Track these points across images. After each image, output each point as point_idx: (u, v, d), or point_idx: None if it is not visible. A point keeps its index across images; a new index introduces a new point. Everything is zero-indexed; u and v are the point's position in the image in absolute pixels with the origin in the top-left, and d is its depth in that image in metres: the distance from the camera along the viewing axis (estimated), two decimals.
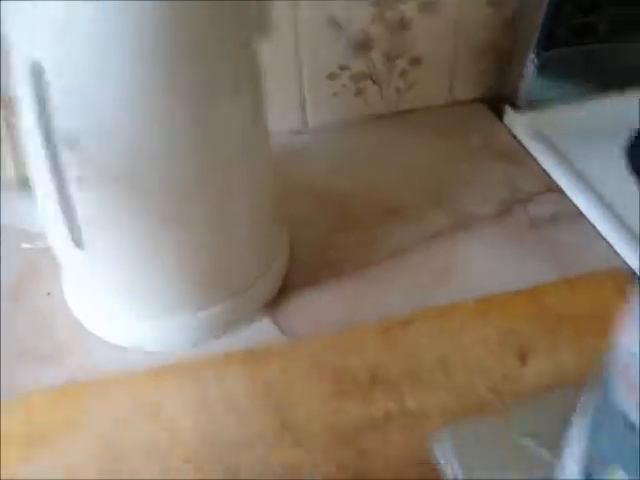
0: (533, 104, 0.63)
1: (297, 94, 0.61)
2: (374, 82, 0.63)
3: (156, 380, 0.42)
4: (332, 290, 0.49)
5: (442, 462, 0.36)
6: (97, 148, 0.36)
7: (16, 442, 0.39)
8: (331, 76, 0.61)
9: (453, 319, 0.45)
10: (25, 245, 0.48)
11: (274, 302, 0.48)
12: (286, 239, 0.51)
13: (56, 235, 0.42)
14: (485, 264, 0.51)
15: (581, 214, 0.55)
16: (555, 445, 0.31)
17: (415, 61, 0.63)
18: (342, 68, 0.61)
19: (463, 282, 0.49)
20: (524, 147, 0.62)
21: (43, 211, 0.42)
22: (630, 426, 0.24)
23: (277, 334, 0.46)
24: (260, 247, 0.47)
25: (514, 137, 0.63)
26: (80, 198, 0.39)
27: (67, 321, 0.46)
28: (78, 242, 0.41)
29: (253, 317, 0.47)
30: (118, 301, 0.45)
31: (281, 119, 0.62)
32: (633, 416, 0.24)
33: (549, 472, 0.34)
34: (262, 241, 0.47)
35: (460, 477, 0.35)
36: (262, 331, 0.46)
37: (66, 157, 0.37)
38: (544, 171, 0.59)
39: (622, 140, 0.60)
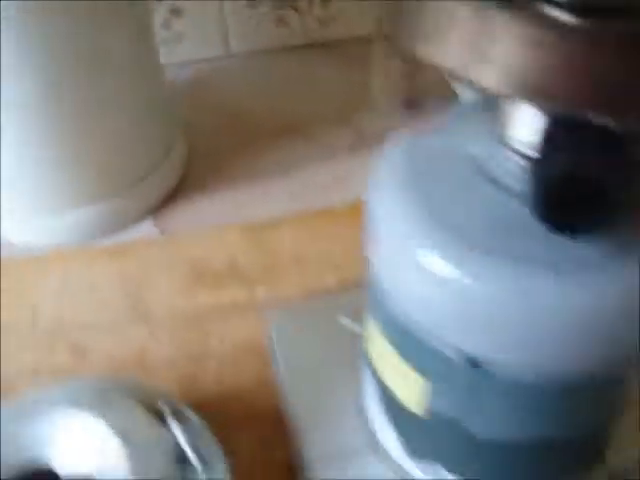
0: None
1: (220, 21, 0.63)
2: (295, 10, 0.64)
3: (27, 268, 0.45)
4: (218, 198, 0.51)
5: (270, 342, 0.38)
6: None
7: None
8: (251, 4, 0.62)
9: (319, 222, 0.47)
10: None
11: (160, 206, 0.50)
12: (181, 148, 0.53)
13: None
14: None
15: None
16: None
17: None
18: None
19: (346, 193, 0.50)
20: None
21: None
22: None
23: (156, 234, 0.48)
24: (148, 149, 0.49)
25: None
26: None
27: None
28: None
29: (137, 218, 0.49)
30: (10, 196, 0.47)
31: (203, 46, 0.63)
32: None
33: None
34: (151, 144, 0.49)
35: (282, 352, 0.37)
36: (142, 231, 0.48)
37: None
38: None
39: None
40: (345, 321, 0.38)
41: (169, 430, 0.29)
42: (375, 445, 0.31)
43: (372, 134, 0.56)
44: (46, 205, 0.46)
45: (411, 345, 0.24)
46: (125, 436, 0.28)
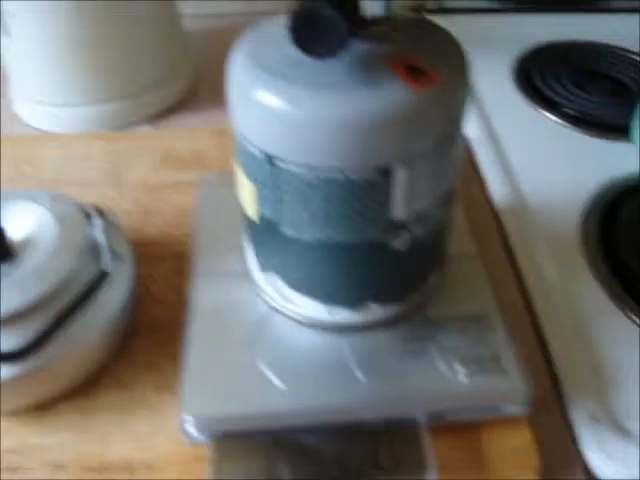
0: (444, 11, 0.71)
1: None
2: None
3: (37, 141, 0.57)
4: (210, 117, 0.61)
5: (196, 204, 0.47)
6: None
7: None
8: None
9: None
10: None
11: (159, 116, 0.61)
12: (188, 72, 0.64)
13: None
14: None
15: None
16: None
17: None
18: None
19: None
20: None
21: None
22: None
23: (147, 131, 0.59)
24: (158, 64, 0.60)
25: None
26: None
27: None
28: (6, 31, 0.56)
29: (137, 122, 0.60)
30: (39, 89, 0.59)
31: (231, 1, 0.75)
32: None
33: None
34: (161, 61, 0.60)
35: (200, 204, 0.46)
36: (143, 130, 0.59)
37: None
38: None
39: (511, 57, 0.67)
40: None
41: (92, 225, 0.39)
42: (244, 269, 0.40)
43: None
44: (65, 98, 0.58)
45: (243, 157, 0.33)
46: (58, 218, 0.38)
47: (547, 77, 0.65)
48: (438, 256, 0.38)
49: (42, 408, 0.37)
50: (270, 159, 0.31)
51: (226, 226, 0.43)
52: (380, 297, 0.36)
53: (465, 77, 0.32)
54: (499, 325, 0.38)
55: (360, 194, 0.31)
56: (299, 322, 0.38)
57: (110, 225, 0.40)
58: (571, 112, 0.60)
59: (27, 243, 0.37)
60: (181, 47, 0.64)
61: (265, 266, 0.37)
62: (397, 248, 0.34)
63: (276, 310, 0.38)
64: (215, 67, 0.71)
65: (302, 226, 0.33)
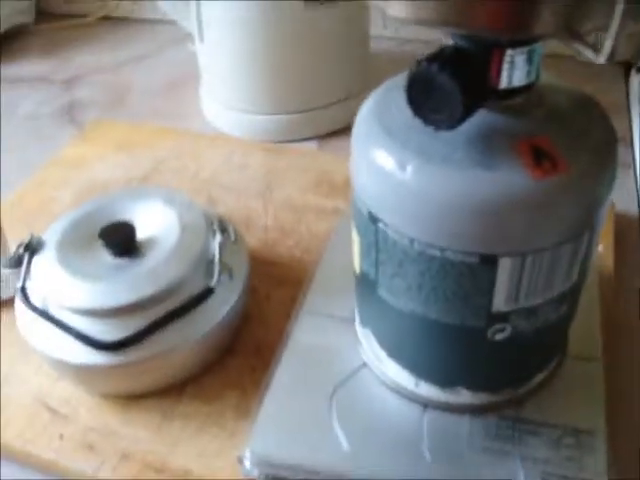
0: None
1: None
2: None
3: (206, 143, 0.60)
4: None
5: (333, 235, 0.47)
6: None
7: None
8: None
9: None
10: (190, 46, 0.68)
11: (329, 135, 0.62)
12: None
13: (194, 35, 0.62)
14: None
15: None
16: None
17: None
18: None
19: None
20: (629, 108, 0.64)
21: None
22: None
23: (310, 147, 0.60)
24: (337, 86, 0.61)
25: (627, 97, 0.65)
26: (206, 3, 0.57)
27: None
28: (201, 39, 0.60)
29: (307, 136, 0.61)
30: (225, 93, 0.63)
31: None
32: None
33: None
34: (341, 83, 0.61)
35: (332, 241, 0.46)
36: (308, 146, 0.60)
37: None
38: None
39: None
40: None
41: (213, 242, 0.40)
42: (351, 316, 0.39)
43: None
44: (247, 105, 0.61)
45: (354, 210, 0.32)
46: (182, 224, 0.40)
47: None
48: (545, 353, 0.35)
49: (130, 399, 0.39)
50: (373, 218, 0.30)
51: (350, 267, 0.43)
52: (470, 382, 0.34)
53: (608, 162, 0.28)
54: (602, 447, 0.33)
55: (458, 277, 0.29)
56: (384, 383, 0.36)
57: (231, 241, 0.41)
58: None
59: (150, 243, 0.40)
60: (364, 69, 0.64)
61: (363, 320, 0.36)
62: (494, 339, 0.31)
63: (366, 365, 0.37)
64: None
65: (398, 293, 0.31)
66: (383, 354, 0.35)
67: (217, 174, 0.56)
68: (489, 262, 0.28)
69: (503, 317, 0.30)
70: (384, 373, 0.36)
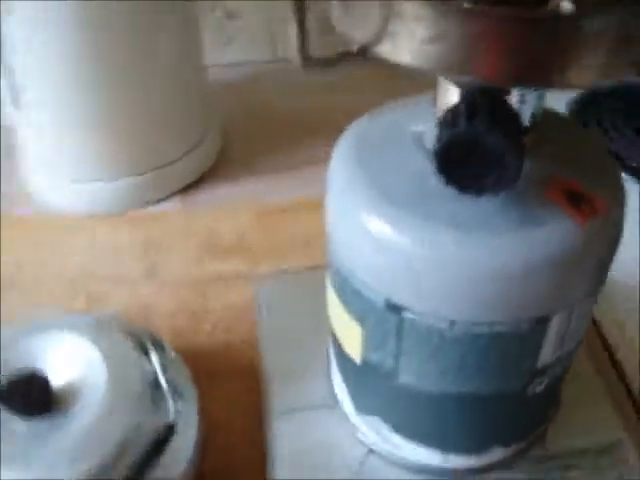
0: None
1: (268, 27, 0.67)
2: None
3: (60, 226, 0.50)
4: (242, 186, 0.55)
5: (258, 306, 0.41)
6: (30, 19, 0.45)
7: None
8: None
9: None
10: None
11: (189, 187, 0.54)
12: (216, 138, 0.57)
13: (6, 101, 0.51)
14: None
15: None
16: None
17: None
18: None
19: None
20: None
21: None
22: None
23: (179, 208, 0.52)
24: (185, 133, 0.54)
25: None
26: (18, 63, 0.47)
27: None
28: (16, 104, 0.49)
29: (166, 195, 0.53)
30: (57, 164, 0.53)
31: (252, 49, 0.68)
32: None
33: None
34: (188, 129, 0.54)
35: (264, 315, 0.40)
36: (168, 208, 0.53)
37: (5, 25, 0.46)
38: None
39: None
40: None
41: (149, 361, 0.33)
42: (333, 403, 0.34)
43: None
44: (86, 174, 0.52)
45: (351, 295, 0.27)
46: (108, 356, 0.31)
47: (607, 127, 0.59)
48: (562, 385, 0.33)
49: None
50: (394, 307, 0.25)
51: (299, 341, 0.37)
52: (505, 439, 0.31)
53: (625, 197, 0.26)
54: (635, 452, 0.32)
55: (507, 347, 0.25)
56: (403, 466, 0.32)
57: (168, 357, 0.34)
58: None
59: (71, 391, 0.31)
60: (209, 107, 0.57)
61: (363, 408, 0.31)
62: (532, 393, 0.28)
63: (373, 452, 0.32)
64: (242, 125, 0.66)
65: (428, 377, 0.27)
66: (397, 438, 0.31)
67: (87, 265, 0.47)
68: (541, 323, 0.25)
69: (543, 371, 0.27)
70: (401, 457, 0.32)
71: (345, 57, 0.19)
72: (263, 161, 0.57)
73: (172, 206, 0.53)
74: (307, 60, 0.19)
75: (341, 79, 0.67)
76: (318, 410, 0.34)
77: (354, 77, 0.68)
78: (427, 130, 0.25)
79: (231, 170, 0.56)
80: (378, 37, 0.19)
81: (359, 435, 0.33)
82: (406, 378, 0.27)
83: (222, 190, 0.54)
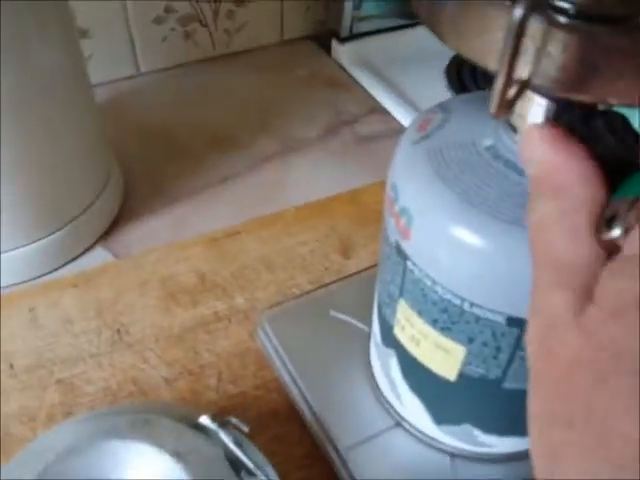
0: (357, 36, 0.67)
1: (126, 41, 0.62)
2: (202, 24, 0.64)
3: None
4: (165, 215, 0.51)
5: (265, 344, 0.39)
6: None
7: None
8: (157, 20, 0.62)
9: (276, 226, 0.48)
10: None
11: (108, 231, 0.49)
12: (117, 173, 0.52)
13: None
14: (311, 179, 0.54)
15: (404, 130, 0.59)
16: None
17: (240, 1, 0.65)
18: (168, 11, 0.62)
19: (289, 196, 0.52)
20: (350, 75, 0.66)
21: None
22: (401, 255, 0.28)
23: (111, 259, 0.47)
24: (88, 178, 0.48)
25: (341, 68, 0.67)
26: None
27: None
28: None
29: (86, 245, 0.48)
30: None
31: (113, 67, 0.63)
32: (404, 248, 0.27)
33: (364, 340, 0.37)
34: (90, 173, 0.48)
35: (281, 352, 0.38)
36: (96, 258, 0.47)
37: None
38: (369, 95, 0.63)
39: (442, 63, 0.65)
40: (336, 314, 0.40)
41: (216, 441, 0.30)
42: (400, 422, 0.33)
43: (295, 139, 0.58)
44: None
45: (454, 319, 0.26)
46: (178, 455, 0.28)
47: (479, 78, 0.63)
48: None
49: None
50: (515, 321, 0.25)
51: (330, 371, 0.36)
52: None
53: None
54: None
55: None
56: (489, 460, 0.33)
57: (234, 431, 0.31)
58: None
59: None
60: (106, 147, 0.51)
61: (447, 419, 0.31)
62: None
63: (456, 456, 0.33)
64: (136, 152, 0.59)
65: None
66: (489, 438, 0.31)
67: (39, 350, 0.40)
68: None
69: None
70: (486, 453, 0.32)
71: (520, 95, 0.18)
72: (171, 184, 0.53)
73: (100, 256, 0.47)
74: (503, 108, 0.18)
75: (213, 84, 0.64)
76: (385, 435, 0.34)
77: (225, 77, 0.65)
78: (499, 144, 0.26)
79: (143, 201, 0.52)
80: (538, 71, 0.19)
81: (439, 445, 0.33)
82: (512, 384, 0.28)
83: (142, 225, 0.50)
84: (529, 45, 0.18)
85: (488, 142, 0.26)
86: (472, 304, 0.25)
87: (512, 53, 0.16)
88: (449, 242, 0.25)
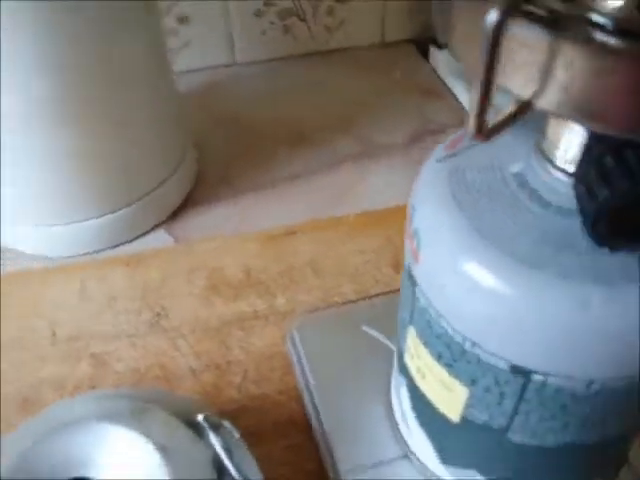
0: None
1: (226, 29, 0.63)
2: (301, 19, 0.64)
3: (43, 279, 0.44)
4: (230, 206, 0.51)
5: (290, 350, 0.38)
6: None
7: None
8: (258, 12, 0.62)
9: (333, 230, 0.47)
10: None
11: (173, 215, 0.50)
12: (191, 158, 0.53)
13: None
14: (385, 186, 0.52)
15: None
16: None
17: None
18: (267, 4, 0.62)
19: (360, 201, 0.51)
20: (445, 84, 0.63)
21: None
22: (411, 280, 0.26)
23: (171, 242, 0.48)
24: (162, 159, 0.49)
25: (436, 75, 0.64)
26: None
27: None
28: None
29: (150, 226, 0.49)
30: (24, 207, 0.47)
31: (210, 54, 0.64)
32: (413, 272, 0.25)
33: (390, 361, 0.35)
34: (164, 154, 0.49)
35: (303, 360, 0.37)
36: (157, 239, 0.48)
37: None
38: (461, 107, 0.60)
39: None
40: (368, 329, 0.38)
41: (207, 443, 0.29)
42: (408, 454, 0.31)
43: (377, 144, 0.57)
44: (59, 214, 0.46)
45: (457, 357, 0.24)
46: (165, 450, 0.28)
47: None
48: None
49: None
50: (519, 370, 0.22)
51: (349, 389, 0.35)
52: (605, 477, 0.29)
53: None
54: None
55: (631, 399, 0.23)
56: None
57: (231, 438, 0.30)
58: None
59: None
60: (184, 131, 0.53)
61: (454, 461, 0.29)
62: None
63: None
64: (214, 139, 0.61)
65: (540, 434, 0.25)
66: None
67: (81, 322, 0.42)
68: None
69: None
70: None
71: (511, 120, 0.16)
72: (244, 176, 0.53)
73: (161, 239, 0.48)
74: (481, 131, 0.16)
75: (306, 80, 0.64)
76: (392, 463, 0.32)
77: (320, 74, 0.65)
78: (528, 171, 0.23)
79: (213, 189, 0.52)
80: (542, 90, 0.16)
81: None
82: (518, 436, 0.25)
83: (208, 213, 0.50)
84: (529, 59, 0.16)
85: (516, 168, 0.23)
86: (474, 344, 0.23)
87: (488, 65, 0.14)
88: (454, 272, 0.23)
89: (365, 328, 0.37)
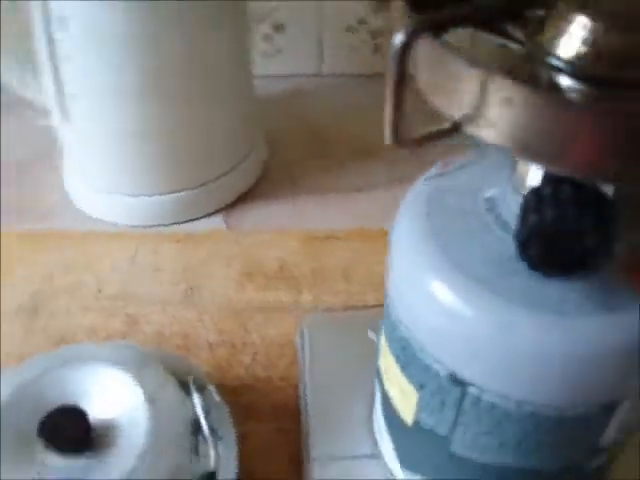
0: None
1: (316, 42, 0.66)
2: None
3: (101, 241, 0.49)
4: (288, 205, 0.54)
5: (297, 343, 0.40)
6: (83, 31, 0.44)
7: None
8: (350, 28, 0.65)
9: (372, 242, 0.49)
10: (41, 122, 0.57)
11: (232, 205, 0.54)
12: (262, 153, 0.57)
13: (53, 111, 0.51)
14: None
15: None
16: None
17: None
18: (360, 22, 0.65)
19: None
20: None
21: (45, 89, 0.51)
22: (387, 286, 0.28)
23: (224, 229, 0.52)
24: (231, 148, 0.53)
25: None
26: (69, 73, 0.46)
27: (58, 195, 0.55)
28: (65, 115, 0.49)
29: (210, 211, 0.53)
30: (107, 177, 0.52)
31: (298, 63, 0.67)
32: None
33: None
34: (234, 144, 0.53)
35: (307, 354, 0.39)
36: (211, 224, 0.52)
37: (59, 35, 0.45)
38: None
39: None
40: (372, 335, 0.40)
41: (191, 402, 0.32)
42: (376, 454, 0.33)
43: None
44: (134, 186, 0.51)
45: (411, 360, 0.26)
46: (151, 398, 0.31)
47: None
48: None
49: None
50: (459, 382, 0.24)
51: (342, 385, 0.37)
52: None
53: None
54: None
55: (571, 428, 0.24)
56: None
57: (212, 400, 0.33)
58: None
59: (110, 429, 0.30)
60: (257, 126, 0.57)
61: (409, 465, 0.30)
62: (592, 467, 0.27)
63: None
64: (287, 141, 0.65)
65: (484, 450, 0.26)
66: None
67: (125, 284, 0.46)
68: (609, 409, 0.23)
69: (605, 447, 0.26)
70: None
71: (437, 136, 0.18)
72: (307, 179, 0.56)
73: (215, 224, 0.52)
74: (398, 142, 0.18)
75: (380, 103, 0.66)
76: (360, 460, 0.33)
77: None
78: (499, 197, 0.24)
79: (275, 187, 0.56)
80: (471, 117, 0.18)
81: None
82: (459, 448, 0.26)
83: (266, 209, 0.54)
84: (457, 86, 0.18)
85: (490, 193, 0.25)
86: (422, 349, 0.25)
87: (397, 81, 0.16)
88: (412, 283, 0.24)
89: (370, 333, 0.39)
